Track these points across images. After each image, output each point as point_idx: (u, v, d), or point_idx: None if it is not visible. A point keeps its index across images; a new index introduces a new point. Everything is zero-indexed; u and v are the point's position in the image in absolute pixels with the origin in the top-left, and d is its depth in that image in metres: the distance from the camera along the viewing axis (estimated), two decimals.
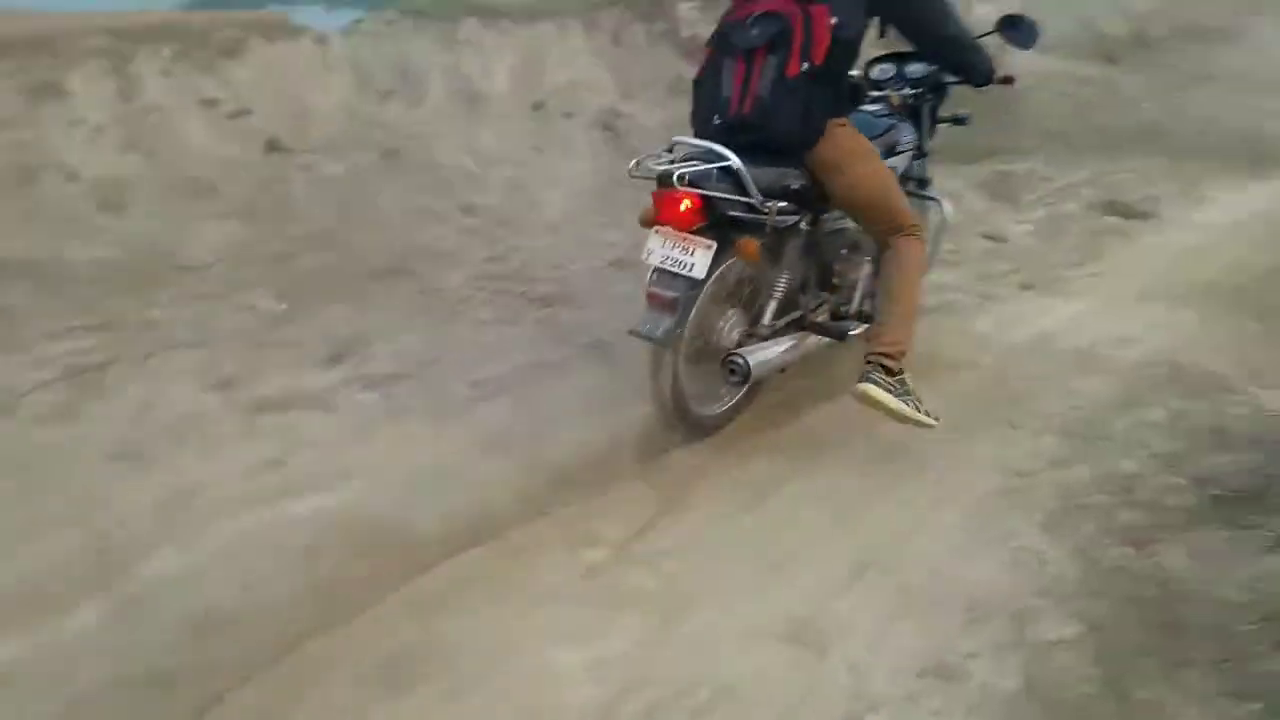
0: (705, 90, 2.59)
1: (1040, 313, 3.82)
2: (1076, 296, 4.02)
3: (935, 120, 3.20)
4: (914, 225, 2.69)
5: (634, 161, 2.52)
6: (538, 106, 5.33)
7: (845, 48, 2.46)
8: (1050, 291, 4.08)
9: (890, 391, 2.51)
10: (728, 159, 2.39)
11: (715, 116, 2.51)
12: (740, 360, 2.58)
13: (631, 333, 2.54)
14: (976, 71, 2.81)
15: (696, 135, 2.55)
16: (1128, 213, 5.26)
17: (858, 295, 3.07)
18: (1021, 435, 2.77)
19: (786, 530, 2.36)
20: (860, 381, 2.52)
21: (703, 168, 2.39)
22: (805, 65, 2.38)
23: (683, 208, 2.37)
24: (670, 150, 2.54)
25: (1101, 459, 2.60)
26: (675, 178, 2.33)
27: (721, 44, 2.54)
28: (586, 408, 2.95)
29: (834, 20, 2.39)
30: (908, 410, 2.52)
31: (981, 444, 2.76)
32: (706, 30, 6.23)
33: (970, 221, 4.76)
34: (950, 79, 3.06)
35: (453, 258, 4.06)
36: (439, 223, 4.36)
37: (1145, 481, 2.45)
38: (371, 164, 4.59)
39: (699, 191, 2.37)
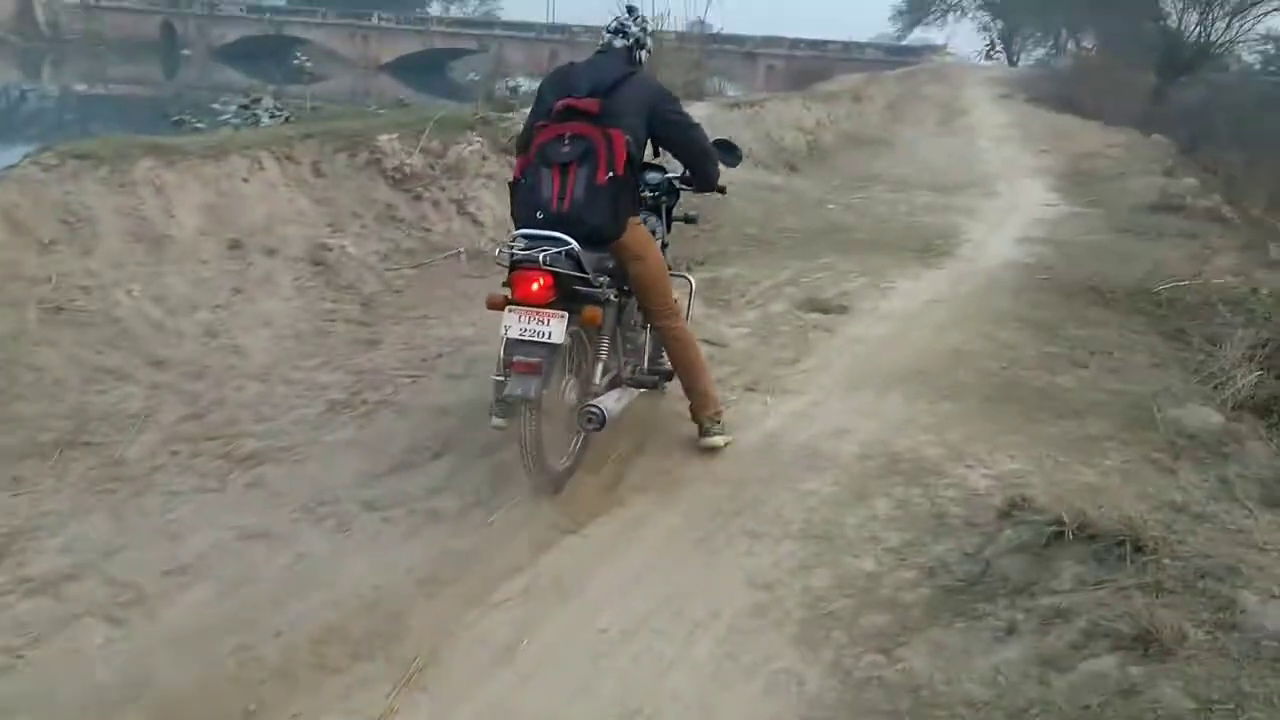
0: (526, 192, 3.07)
1: (763, 414, 3.96)
2: (794, 394, 4.21)
3: (671, 218, 3.85)
4: (675, 303, 3.46)
5: (497, 249, 3.07)
6: (235, 245, 4.93)
7: (634, 162, 3.11)
8: (771, 390, 4.25)
9: (722, 434, 3.49)
10: (569, 243, 2.88)
11: (538, 213, 2.99)
12: (597, 409, 3.06)
13: (502, 399, 2.89)
14: (711, 181, 3.54)
15: (520, 228, 3.04)
16: (827, 308, 5.69)
17: (646, 357, 3.69)
18: (763, 545, 2.79)
19: (544, 686, 2.17)
20: (706, 438, 3.47)
21: (553, 250, 2.85)
22: (610, 174, 2.98)
23: (535, 287, 2.84)
24: (513, 242, 2.98)
25: (839, 560, 2.66)
26: (541, 259, 2.82)
27: (539, 157, 3.05)
28: (307, 583, 2.62)
29: (627, 139, 3.03)
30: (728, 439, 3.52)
31: (726, 558, 2.74)
32: (410, 159, 6.19)
33: (692, 329, 4.91)
34: (681, 186, 3.69)
35: (140, 421, 3.56)
36: (121, 382, 3.83)
37: (882, 579, 2.52)
38: (33, 323, 3.99)
39: (552, 270, 2.84)
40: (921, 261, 7.33)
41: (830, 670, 2.15)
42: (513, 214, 3.16)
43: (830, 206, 9.84)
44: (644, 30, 3.43)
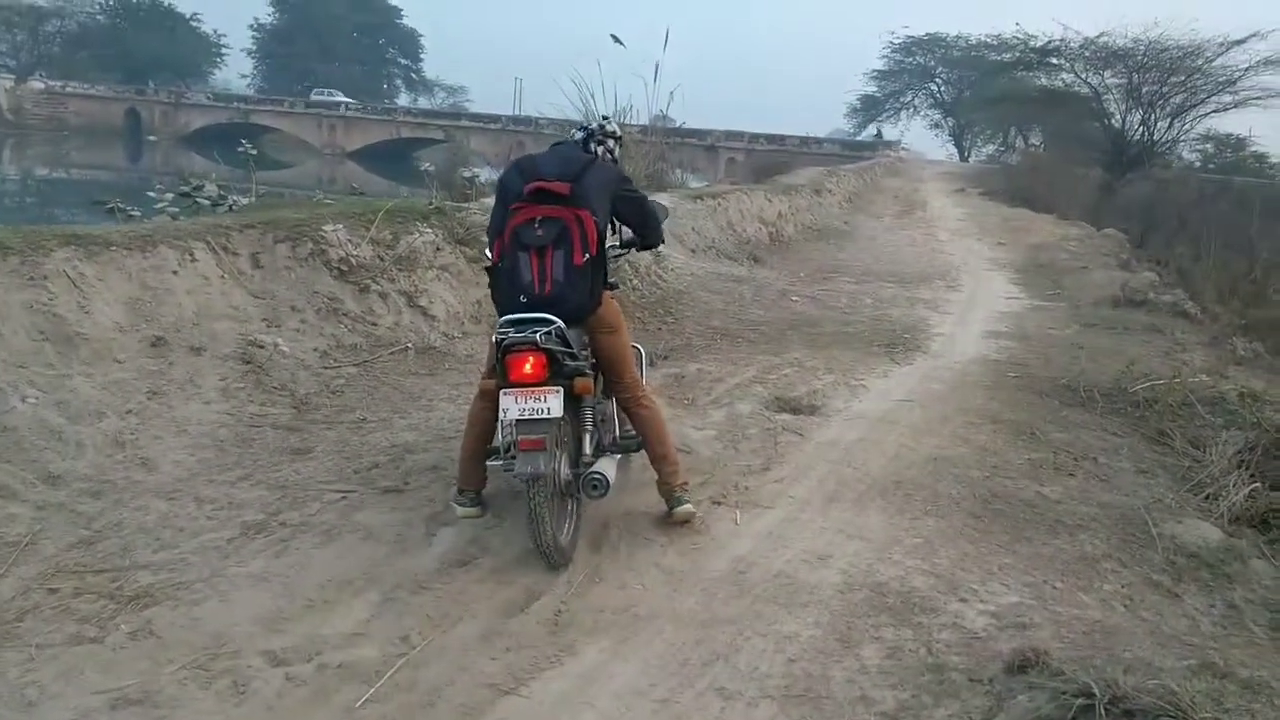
0: (506, 277, 3.22)
1: (733, 533, 3.59)
2: (766, 509, 3.85)
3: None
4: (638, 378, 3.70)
5: (494, 336, 3.14)
6: (157, 343, 4.53)
7: (603, 240, 3.38)
8: (740, 504, 3.89)
9: (690, 502, 3.59)
10: (555, 322, 3.10)
11: (521, 296, 3.16)
12: (600, 475, 3.24)
13: (516, 476, 3.03)
14: (660, 238, 3.89)
15: (503, 314, 3.19)
16: (797, 408, 5.37)
17: (615, 425, 3.81)
18: (736, 709, 2.38)
19: None
20: (677, 508, 3.54)
21: (544, 330, 3.05)
22: (586, 256, 3.19)
23: (527, 368, 3.03)
24: (503, 328, 3.10)
25: None
26: (539, 338, 3.02)
27: (514, 242, 3.18)
28: None
29: (597, 220, 3.26)
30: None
31: None
32: (358, 250, 5.87)
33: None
34: (620, 250, 3.90)
35: (18, 550, 3.09)
36: (5, 502, 3.36)
37: None
38: None
39: (546, 349, 3.04)
40: (890, 357, 7.07)
41: None
42: (494, 299, 3.34)
43: (795, 298, 9.65)
44: (602, 128, 3.71)
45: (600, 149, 3.63)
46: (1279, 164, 34.21)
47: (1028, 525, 3.86)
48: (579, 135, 3.68)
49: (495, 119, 50.24)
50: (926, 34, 57.88)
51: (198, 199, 6.75)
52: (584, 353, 3.27)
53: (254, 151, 8.04)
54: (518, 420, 3.02)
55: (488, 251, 3.59)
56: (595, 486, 3.22)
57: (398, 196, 9.45)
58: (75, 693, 2.39)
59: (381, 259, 6.08)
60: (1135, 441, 5.30)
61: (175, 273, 4.92)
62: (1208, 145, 35.53)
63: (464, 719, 2.37)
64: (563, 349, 3.10)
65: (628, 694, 2.48)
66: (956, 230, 18.49)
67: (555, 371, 3.08)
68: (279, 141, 47.46)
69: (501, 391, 3.05)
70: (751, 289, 9.72)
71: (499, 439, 3.31)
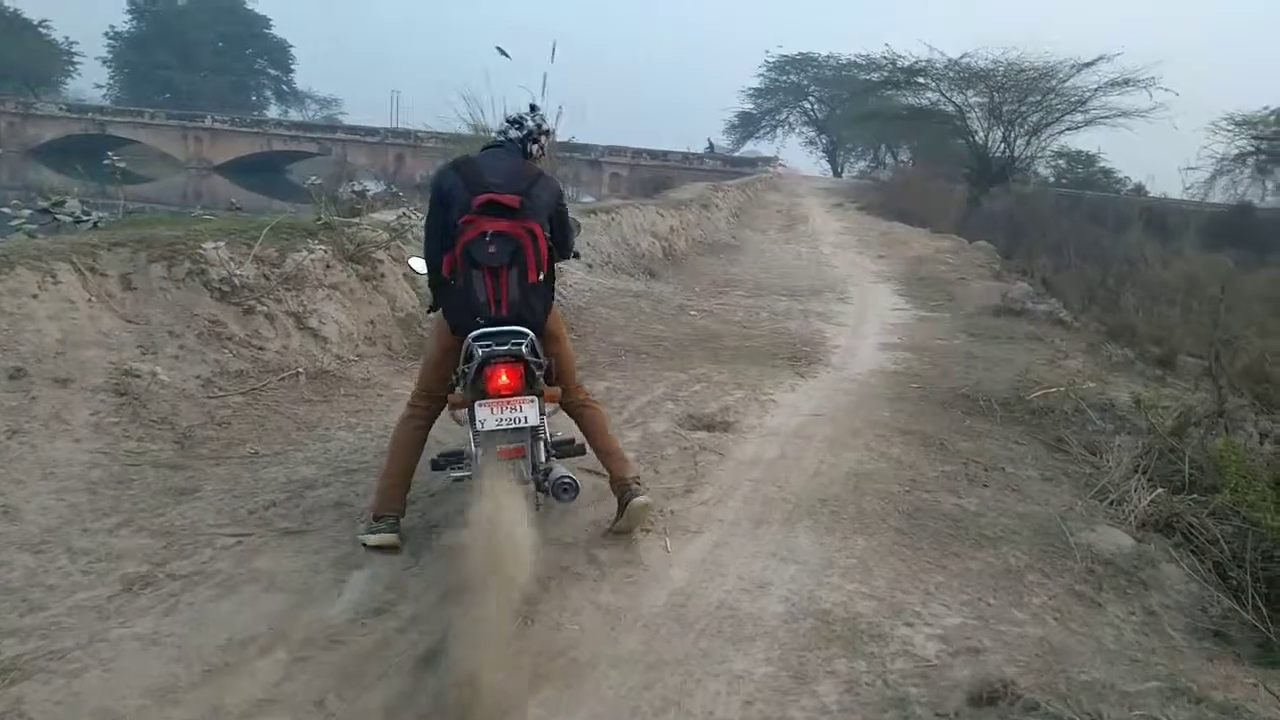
0: (459, 296, 3.23)
1: (665, 563, 3.44)
2: (695, 533, 3.72)
3: None
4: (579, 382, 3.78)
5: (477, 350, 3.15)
6: (16, 376, 4.06)
7: (551, 254, 3.43)
8: (669, 530, 3.74)
9: (645, 493, 3.58)
10: (528, 334, 3.19)
11: (478, 318, 3.19)
12: (570, 478, 3.23)
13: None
14: (569, 255, 3.78)
15: (457, 331, 3.26)
16: (711, 425, 5.28)
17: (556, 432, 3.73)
18: None
19: None
20: (633, 499, 3.47)
21: (522, 342, 3.15)
22: (540, 275, 3.27)
23: (504, 379, 3.10)
24: (480, 340, 3.14)
25: None
26: (524, 349, 3.14)
27: (466, 259, 3.15)
28: None
29: (546, 235, 3.31)
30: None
31: None
32: (241, 269, 5.47)
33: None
34: None
35: None
36: None
37: None
38: None
39: (523, 359, 3.14)
40: (795, 370, 7.10)
41: None
42: (446, 315, 3.35)
43: (693, 313, 9.64)
44: (539, 127, 3.55)
45: (535, 147, 3.54)
46: (1124, 179, 37.01)
47: (952, 539, 3.86)
48: (516, 134, 3.52)
49: (374, 131, 48.90)
50: (799, 53, 59.65)
51: (58, 215, 6.17)
52: (548, 362, 3.35)
53: (122, 164, 7.44)
54: (493, 430, 3.07)
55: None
56: (566, 490, 3.20)
57: (277, 212, 8.94)
58: None
59: (267, 278, 5.69)
60: (1036, 449, 5.43)
61: (35, 296, 4.44)
62: (1061, 161, 37.96)
63: None
64: (534, 359, 3.19)
65: None
66: (839, 244, 18.99)
67: (528, 382, 3.17)
68: (139, 154, 44.78)
69: (476, 404, 3.08)
70: (650, 304, 9.65)
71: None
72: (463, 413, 3.26)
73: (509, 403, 3.09)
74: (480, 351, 3.11)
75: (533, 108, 3.63)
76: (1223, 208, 30.94)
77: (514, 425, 3.10)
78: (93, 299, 4.72)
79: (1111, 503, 4.55)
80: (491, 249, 3.13)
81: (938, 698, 2.44)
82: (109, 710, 2.34)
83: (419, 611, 2.96)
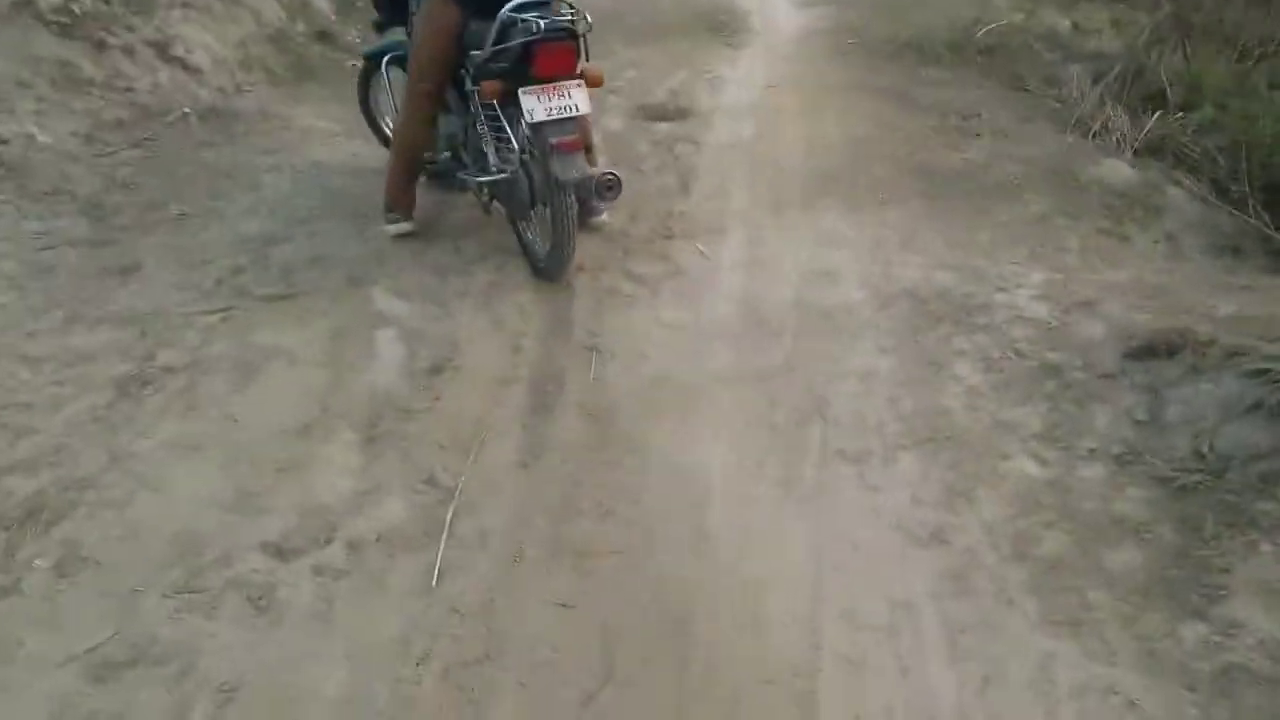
0: None
1: (710, 269, 3.14)
2: (719, 233, 3.41)
3: None
4: None
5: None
6: None
7: None
8: (692, 234, 3.41)
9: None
10: (574, 7, 2.79)
11: None
12: (613, 174, 2.77)
13: (563, 183, 2.68)
14: None
15: (467, 5, 2.82)
16: (666, 114, 4.81)
17: None
18: (873, 471, 2.05)
19: None
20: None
21: (570, 14, 2.73)
22: None
23: (563, 61, 2.68)
24: (518, 11, 2.69)
25: (997, 467, 1.98)
26: (583, 25, 2.72)
27: None
28: None
29: None
30: None
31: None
32: None
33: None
34: None
35: None
36: None
37: (1110, 500, 1.89)
38: None
39: (578, 35, 2.71)
40: (723, 42, 6.51)
41: None
42: None
43: None
44: None
45: None
46: None
47: (978, 196, 3.70)
48: None
49: None
50: None
51: None
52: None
53: None
54: (544, 121, 2.66)
55: None
56: (610, 187, 2.77)
57: None
58: (22, 675, 1.69)
59: (107, 2, 4.58)
60: (999, 90, 5.23)
61: None
62: None
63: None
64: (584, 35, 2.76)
65: (735, 473, 2.10)
66: None
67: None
68: None
69: (521, 92, 2.65)
70: None
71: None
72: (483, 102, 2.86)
73: (557, 89, 2.68)
74: (526, 24, 2.63)
75: None
76: None
77: (563, 115, 2.69)
78: None
79: (1095, 134, 4.45)
80: None
81: (1088, 358, 2.33)
82: (192, 534, 1.97)
83: (479, 362, 2.61)
